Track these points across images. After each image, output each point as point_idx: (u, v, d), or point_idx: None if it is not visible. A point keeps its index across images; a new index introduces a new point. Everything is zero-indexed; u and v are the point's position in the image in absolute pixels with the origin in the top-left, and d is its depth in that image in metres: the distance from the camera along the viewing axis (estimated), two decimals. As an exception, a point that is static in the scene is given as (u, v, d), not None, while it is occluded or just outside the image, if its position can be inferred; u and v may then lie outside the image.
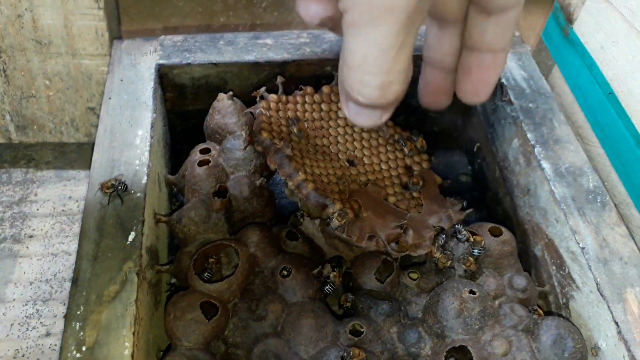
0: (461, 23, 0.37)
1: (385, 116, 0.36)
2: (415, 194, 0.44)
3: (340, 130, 0.45)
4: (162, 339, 0.39)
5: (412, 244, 0.40)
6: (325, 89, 0.46)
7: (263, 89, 0.45)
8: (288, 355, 0.35)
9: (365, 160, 0.45)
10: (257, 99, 0.44)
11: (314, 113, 0.45)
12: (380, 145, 0.46)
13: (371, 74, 0.31)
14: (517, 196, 0.46)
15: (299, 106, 0.44)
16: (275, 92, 0.45)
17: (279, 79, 0.45)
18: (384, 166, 0.45)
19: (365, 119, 0.35)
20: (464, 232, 0.39)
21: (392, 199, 0.43)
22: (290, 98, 0.45)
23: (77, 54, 0.53)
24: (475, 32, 0.38)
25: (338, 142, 0.44)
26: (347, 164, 0.44)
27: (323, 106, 0.45)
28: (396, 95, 0.32)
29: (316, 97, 0.45)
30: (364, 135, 0.46)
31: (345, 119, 0.45)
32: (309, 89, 0.45)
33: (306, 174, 0.40)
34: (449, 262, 0.40)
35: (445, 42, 0.39)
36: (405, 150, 0.46)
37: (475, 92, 0.40)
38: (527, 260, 0.44)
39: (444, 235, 0.40)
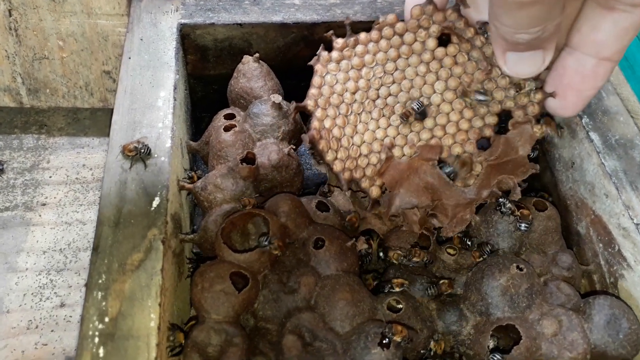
0: None
1: (548, 57, 0.33)
2: (484, 157, 0.38)
3: (421, 68, 0.38)
4: (185, 313, 0.37)
5: (444, 227, 0.39)
6: (415, 10, 0.37)
7: (331, 32, 0.38)
8: (323, 330, 0.33)
9: (444, 107, 0.38)
10: (320, 49, 0.38)
11: (390, 51, 0.38)
12: (473, 83, 0.38)
13: (528, 29, 0.29)
14: (559, 170, 0.43)
15: (371, 46, 0.38)
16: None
17: (347, 19, 0.38)
18: (467, 113, 0.38)
19: (528, 64, 0.33)
20: (509, 205, 0.37)
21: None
22: (362, 37, 0.38)
23: (92, 13, 0.50)
24: (585, 27, 0.32)
25: (412, 86, 0.38)
26: (412, 117, 0.38)
27: (406, 37, 0.38)
28: (557, 28, 0.30)
29: (399, 26, 0.38)
30: (455, 71, 0.38)
31: (433, 53, 0.38)
32: (389, 18, 0.37)
33: (338, 151, 0.38)
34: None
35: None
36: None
37: (564, 104, 0.35)
38: (568, 237, 0.42)
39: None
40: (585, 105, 0.36)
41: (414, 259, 0.37)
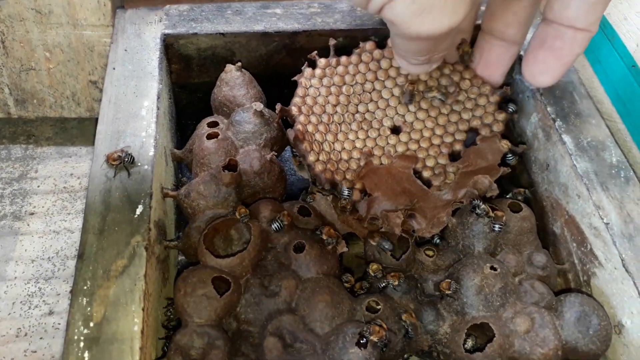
0: None
1: (435, 65, 0.37)
2: (456, 167, 0.40)
3: (396, 90, 0.41)
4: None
5: (421, 228, 0.40)
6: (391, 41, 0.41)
7: (315, 52, 0.42)
8: (303, 332, 0.34)
9: (416, 125, 0.41)
10: (304, 65, 0.42)
11: (367, 74, 0.41)
12: (443, 105, 0.42)
13: (416, 57, 0.33)
14: (535, 172, 0.45)
15: (351, 68, 0.41)
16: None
17: (332, 41, 0.42)
18: (438, 131, 0.41)
19: (418, 71, 0.37)
20: (483, 207, 0.38)
21: (427, 174, 0.40)
22: (343, 59, 0.42)
23: (78, 25, 0.51)
24: (557, 5, 0.33)
25: (388, 105, 0.41)
26: (389, 131, 0.41)
27: (383, 63, 0.42)
28: (442, 57, 0.34)
29: (376, 53, 0.42)
30: (426, 94, 0.42)
31: (407, 76, 0.41)
32: (368, 45, 0.42)
33: (320, 153, 0.40)
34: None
35: (511, 12, 0.36)
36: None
37: (544, 69, 0.36)
38: (545, 237, 0.43)
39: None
40: (563, 74, 0.36)
41: (387, 246, 0.39)
